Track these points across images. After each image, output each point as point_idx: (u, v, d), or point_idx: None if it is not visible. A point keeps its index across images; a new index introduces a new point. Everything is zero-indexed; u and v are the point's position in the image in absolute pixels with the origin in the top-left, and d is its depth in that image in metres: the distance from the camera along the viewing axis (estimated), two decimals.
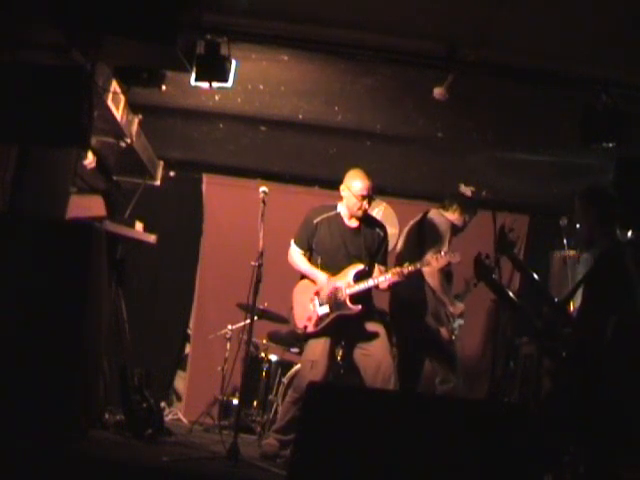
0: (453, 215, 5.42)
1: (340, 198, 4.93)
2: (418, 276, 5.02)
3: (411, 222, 5.55)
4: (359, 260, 4.82)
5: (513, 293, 4.11)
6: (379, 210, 7.38)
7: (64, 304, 4.03)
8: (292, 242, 4.96)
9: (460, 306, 5.38)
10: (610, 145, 4.75)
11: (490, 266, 4.38)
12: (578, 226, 4.09)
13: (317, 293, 4.80)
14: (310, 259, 4.92)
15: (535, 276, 4.04)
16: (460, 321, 5.51)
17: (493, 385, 5.57)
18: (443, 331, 5.29)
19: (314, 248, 4.90)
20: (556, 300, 4.01)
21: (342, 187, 4.86)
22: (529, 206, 7.43)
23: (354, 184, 4.78)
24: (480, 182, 6.22)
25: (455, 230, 5.41)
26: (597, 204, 3.86)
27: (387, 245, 5.02)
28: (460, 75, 4.68)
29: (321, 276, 4.81)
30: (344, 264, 4.81)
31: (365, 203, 4.78)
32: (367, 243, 4.87)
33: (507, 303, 3.97)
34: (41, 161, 4.80)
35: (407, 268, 4.72)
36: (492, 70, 4.78)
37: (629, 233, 5.35)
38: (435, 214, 5.40)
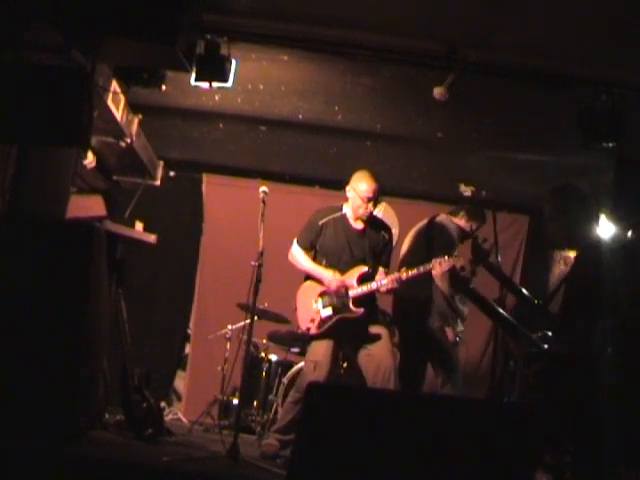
0: (460, 221, 5.42)
1: (343, 198, 4.92)
2: (425, 277, 5.00)
3: (417, 226, 5.52)
4: (363, 262, 4.80)
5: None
6: (379, 210, 7.37)
7: (64, 304, 4.03)
8: (295, 242, 4.92)
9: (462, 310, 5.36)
10: (610, 145, 4.76)
11: (487, 250, 4.34)
12: (551, 226, 3.91)
13: (321, 295, 4.79)
14: (314, 260, 4.89)
15: (513, 280, 4.02)
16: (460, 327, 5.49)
17: (493, 385, 5.57)
18: (448, 332, 5.28)
19: (318, 249, 4.88)
20: (537, 302, 4.00)
21: (348, 188, 4.82)
22: (529, 206, 7.43)
23: (360, 186, 4.74)
24: (480, 182, 6.22)
25: (462, 236, 5.40)
26: (579, 202, 3.76)
27: (391, 247, 5.00)
28: (460, 75, 4.68)
29: (327, 273, 4.78)
30: (348, 266, 4.79)
31: (370, 205, 4.74)
32: (371, 245, 4.85)
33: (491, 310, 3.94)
34: (41, 161, 4.79)
35: (405, 273, 4.70)
36: (492, 70, 4.79)
37: (629, 233, 5.35)
38: (444, 219, 5.39)
